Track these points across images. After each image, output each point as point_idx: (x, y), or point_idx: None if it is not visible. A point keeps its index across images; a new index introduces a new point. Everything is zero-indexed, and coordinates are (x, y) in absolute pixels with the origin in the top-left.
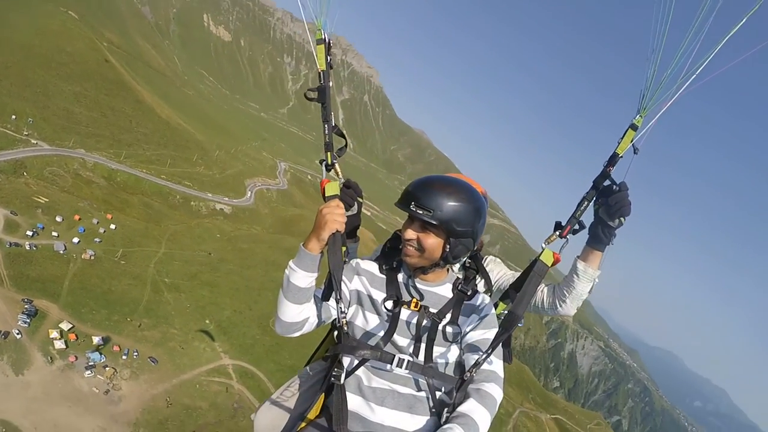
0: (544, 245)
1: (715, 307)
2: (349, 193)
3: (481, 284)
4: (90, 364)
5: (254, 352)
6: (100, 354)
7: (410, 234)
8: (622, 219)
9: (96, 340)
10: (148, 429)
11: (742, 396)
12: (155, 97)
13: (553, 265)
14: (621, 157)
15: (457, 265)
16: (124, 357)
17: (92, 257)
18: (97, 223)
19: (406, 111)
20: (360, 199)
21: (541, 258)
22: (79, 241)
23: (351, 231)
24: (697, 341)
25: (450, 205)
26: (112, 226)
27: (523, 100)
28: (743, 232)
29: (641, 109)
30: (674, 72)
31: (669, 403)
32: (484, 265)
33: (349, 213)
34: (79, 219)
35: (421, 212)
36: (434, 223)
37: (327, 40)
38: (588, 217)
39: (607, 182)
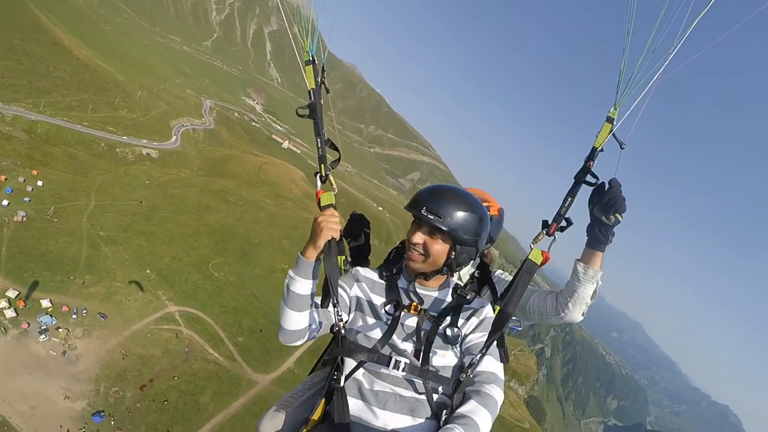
0: (532, 245)
1: (629, 243)
2: (356, 224)
3: (487, 295)
4: (43, 328)
5: (197, 297)
6: (51, 317)
7: (418, 238)
8: (618, 216)
9: (44, 303)
10: (108, 383)
11: (656, 330)
12: (72, 37)
13: (543, 263)
14: (601, 150)
15: (466, 276)
16: (74, 316)
17: (24, 219)
18: (24, 181)
19: (337, 44)
20: (367, 230)
21: (530, 257)
22: (8, 204)
23: (360, 259)
24: (612, 276)
25: (459, 213)
26: (39, 183)
27: (475, 46)
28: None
29: (616, 101)
30: (644, 63)
31: (588, 333)
32: (493, 278)
33: (356, 243)
34: (6, 179)
35: (432, 217)
36: (444, 229)
37: (315, 60)
38: (575, 215)
39: (589, 177)
